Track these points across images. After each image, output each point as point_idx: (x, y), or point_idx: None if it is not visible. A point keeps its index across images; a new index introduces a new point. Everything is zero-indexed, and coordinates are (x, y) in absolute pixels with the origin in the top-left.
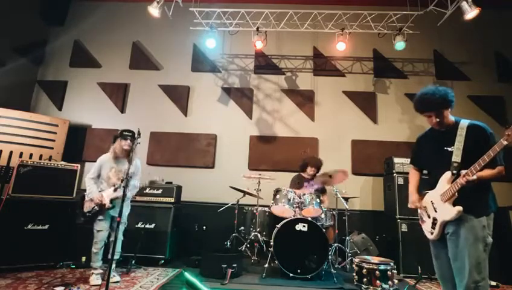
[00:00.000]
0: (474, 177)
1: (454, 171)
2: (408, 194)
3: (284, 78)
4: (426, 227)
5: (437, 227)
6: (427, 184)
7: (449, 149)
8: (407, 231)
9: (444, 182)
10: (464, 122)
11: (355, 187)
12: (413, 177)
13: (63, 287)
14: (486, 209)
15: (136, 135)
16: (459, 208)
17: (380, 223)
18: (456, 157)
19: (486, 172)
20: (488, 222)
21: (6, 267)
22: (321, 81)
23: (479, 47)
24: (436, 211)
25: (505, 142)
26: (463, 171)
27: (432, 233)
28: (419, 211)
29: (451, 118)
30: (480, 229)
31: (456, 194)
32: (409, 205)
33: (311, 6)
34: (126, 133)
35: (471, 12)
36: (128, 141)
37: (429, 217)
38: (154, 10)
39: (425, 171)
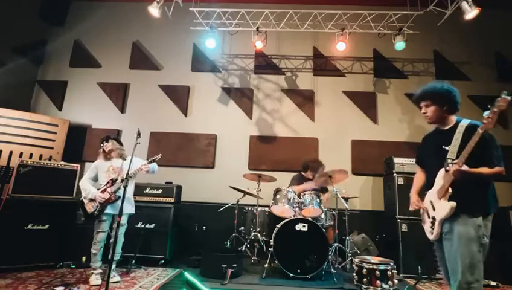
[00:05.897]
0: (464, 168)
1: (448, 168)
2: (409, 195)
3: (284, 78)
4: (427, 227)
5: (436, 226)
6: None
7: (446, 148)
8: (407, 231)
9: (440, 179)
10: (464, 122)
11: (355, 187)
12: (418, 179)
13: (63, 287)
14: (484, 209)
15: (136, 135)
16: (452, 203)
17: (380, 223)
18: (451, 154)
19: (483, 169)
20: (485, 222)
21: (6, 267)
22: (321, 81)
23: (479, 47)
24: (434, 210)
25: (481, 131)
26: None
27: (431, 233)
28: (421, 211)
29: (453, 118)
30: (474, 229)
31: (450, 189)
32: (410, 208)
33: (311, 6)
34: (103, 138)
35: (471, 13)
36: (108, 143)
37: (429, 217)
38: (154, 10)
39: None
